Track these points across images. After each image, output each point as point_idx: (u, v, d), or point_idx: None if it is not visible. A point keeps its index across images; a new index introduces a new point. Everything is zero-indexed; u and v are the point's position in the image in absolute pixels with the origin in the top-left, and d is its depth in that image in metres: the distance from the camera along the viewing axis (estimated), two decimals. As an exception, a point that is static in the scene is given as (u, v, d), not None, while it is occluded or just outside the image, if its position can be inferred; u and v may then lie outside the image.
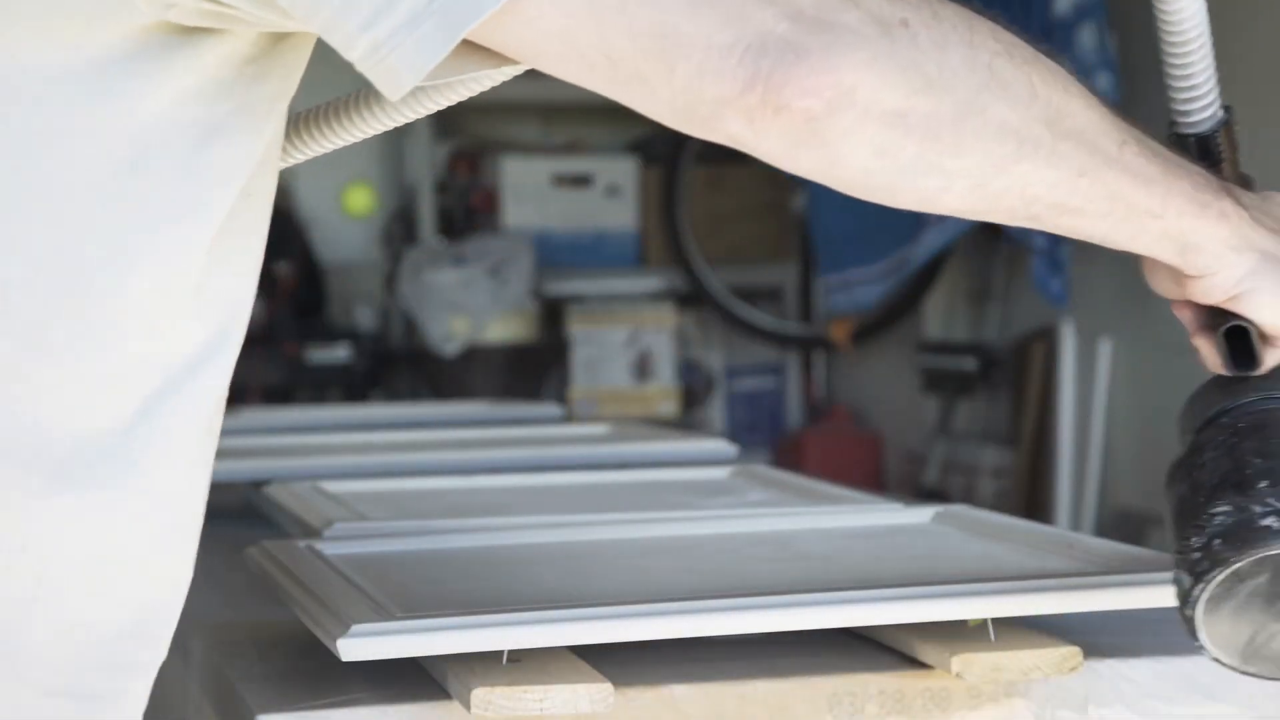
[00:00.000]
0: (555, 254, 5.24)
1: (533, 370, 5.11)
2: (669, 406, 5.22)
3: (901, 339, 4.93)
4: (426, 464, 2.17)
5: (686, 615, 1.24)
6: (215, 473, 2.22)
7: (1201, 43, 1.14)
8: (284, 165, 1.09)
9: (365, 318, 5.33)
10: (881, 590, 1.29)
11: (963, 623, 1.29)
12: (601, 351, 5.19)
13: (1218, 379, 1.16)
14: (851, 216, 4.67)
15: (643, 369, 5.23)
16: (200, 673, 1.44)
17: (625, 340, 5.21)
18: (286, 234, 5.28)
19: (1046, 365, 4.25)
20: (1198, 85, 1.16)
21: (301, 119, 1.10)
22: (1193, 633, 1.08)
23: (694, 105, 0.92)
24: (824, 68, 0.91)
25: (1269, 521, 1.05)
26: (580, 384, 5.16)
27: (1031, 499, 4.27)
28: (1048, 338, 4.24)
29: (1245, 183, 1.18)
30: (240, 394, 4.81)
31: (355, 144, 1.09)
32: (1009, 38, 0.98)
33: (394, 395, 5.23)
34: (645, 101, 0.94)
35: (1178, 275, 1.10)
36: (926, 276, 4.69)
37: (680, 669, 1.27)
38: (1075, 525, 4.05)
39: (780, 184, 5.24)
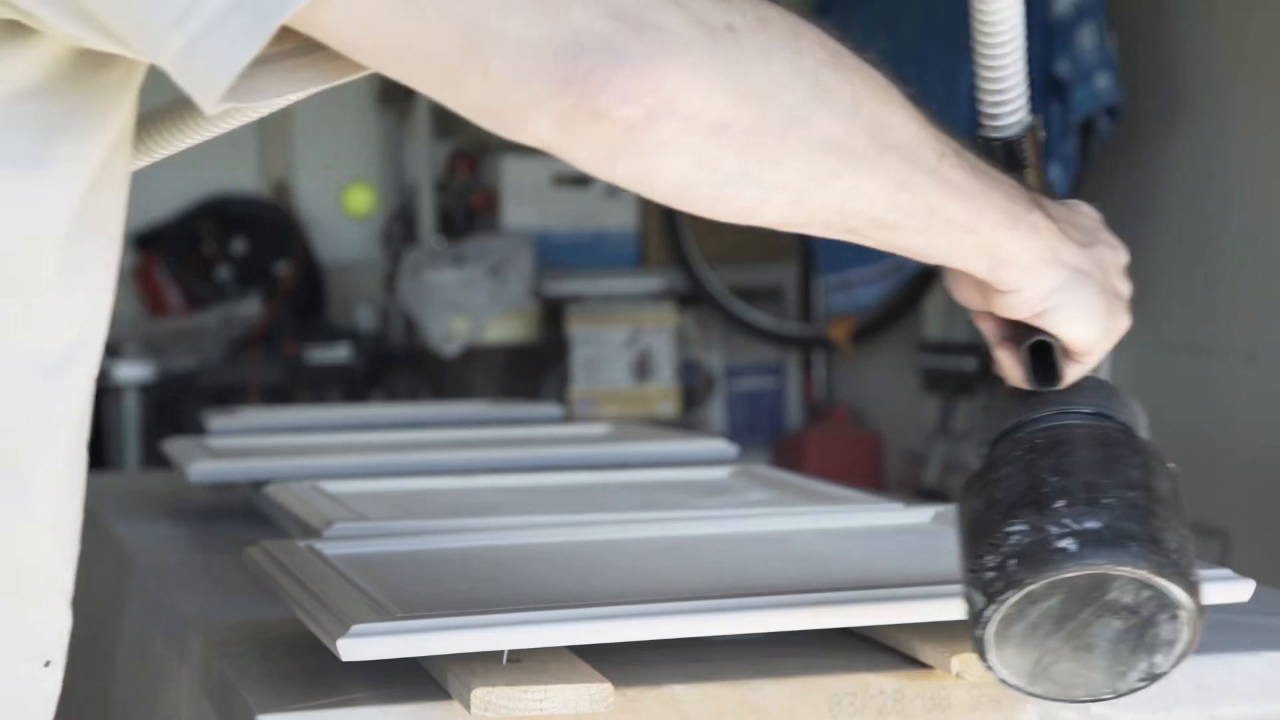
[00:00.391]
0: (555, 254, 5.25)
1: (533, 370, 5.11)
2: (669, 406, 5.22)
3: (901, 339, 4.93)
4: (426, 464, 2.17)
5: (686, 615, 1.24)
6: (215, 473, 2.24)
7: (1016, 45, 1.11)
8: (137, 165, 1.05)
9: (365, 318, 5.34)
10: (881, 590, 1.29)
11: (963, 623, 1.29)
12: (601, 351, 5.19)
13: (1015, 391, 1.14)
14: (851, 216, 4.66)
15: (643, 369, 5.23)
16: (200, 673, 1.43)
17: (625, 340, 5.21)
18: (286, 234, 5.28)
19: (1046, 365, 4.24)
20: (1009, 89, 1.12)
21: (149, 120, 1.06)
22: (982, 653, 1.07)
23: (505, 106, 0.87)
24: (645, 72, 0.87)
25: (1065, 544, 1.03)
26: (580, 384, 5.16)
27: (1031, 499, 4.26)
28: (1048, 338, 4.24)
29: (1047, 189, 1.16)
30: (240, 394, 4.82)
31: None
32: (834, 45, 0.95)
33: (394, 395, 5.23)
34: (458, 100, 0.88)
35: (984, 288, 1.08)
36: (926, 276, 4.69)
37: (680, 669, 1.27)
38: (1075, 525, 4.05)
39: (780, 184, 5.23)
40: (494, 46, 0.86)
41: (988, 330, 1.13)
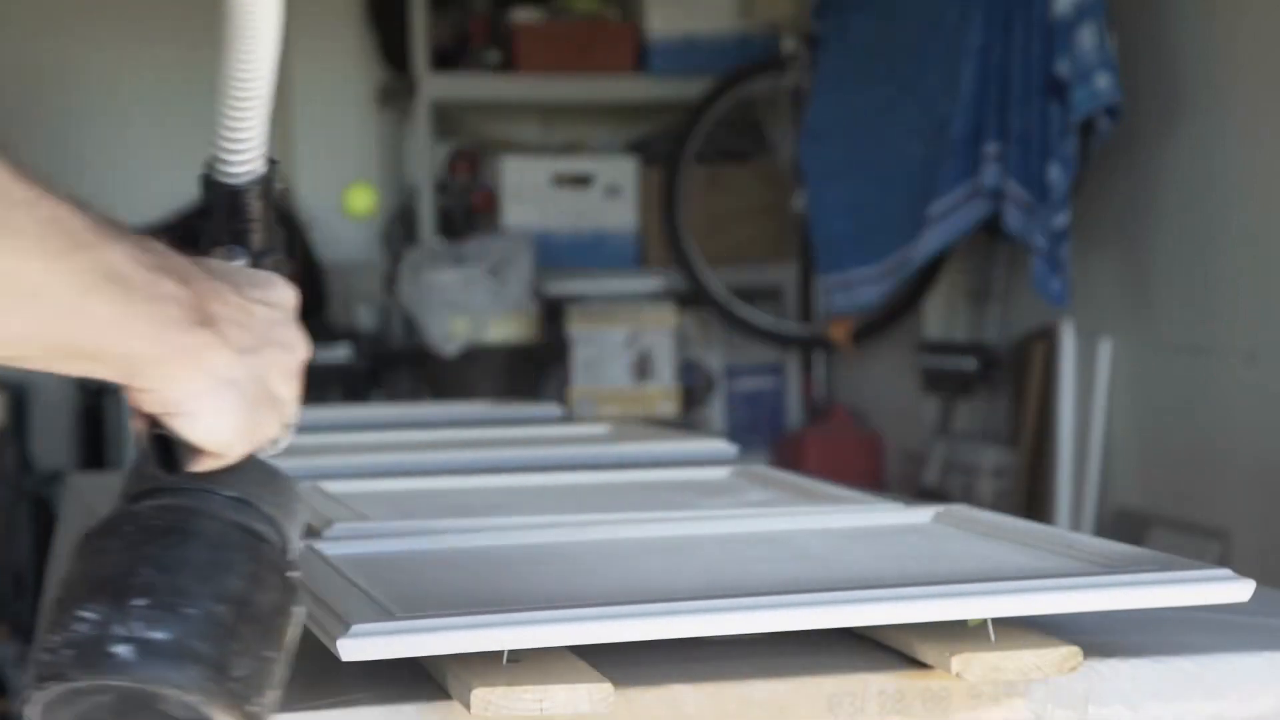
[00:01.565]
0: (555, 254, 5.24)
1: (533, 370, 5.11)
2: (669, 406, 5.22)
3: (901, 339, 4.93)
4: (426, 464, 2.17)
5: (686, 615, 1.24)
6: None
7: (262, 95, 1.06)
8: None
9: (365, 318, 5.33)
10: (881, 590, 1.29)
11: (963, 623, 1.29)
12: (601, 351, 5.19)
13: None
14: (851, 217, 4.67)
15: (643, 369, 5.23)
16: (200, 673, 1.43)
17: (625, 340, 5.21)
18: (286, 234, 5.28)
19: (1046, 365, 4.25)
20: (246, 138, 1.08)
21: None
22: None
23: None
24: None
25: (121, 649, 0.96)
26: (580, 384, 5.16)
27: (1031, 499, 4.27)
28: (1048, 338, 4.24)
29: (273, 241, 1.11)
30: (240, 394, 4.82)
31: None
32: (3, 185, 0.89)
33: (394, 395, 5.23)
34: None
35: None
36: (926, 276, 4.69)
37: (680, 669, 1.27)
38: (1075, 525, 4.05)
39: (780, 184, 5.24)
40: None
41: (128, 398, 1.06)
